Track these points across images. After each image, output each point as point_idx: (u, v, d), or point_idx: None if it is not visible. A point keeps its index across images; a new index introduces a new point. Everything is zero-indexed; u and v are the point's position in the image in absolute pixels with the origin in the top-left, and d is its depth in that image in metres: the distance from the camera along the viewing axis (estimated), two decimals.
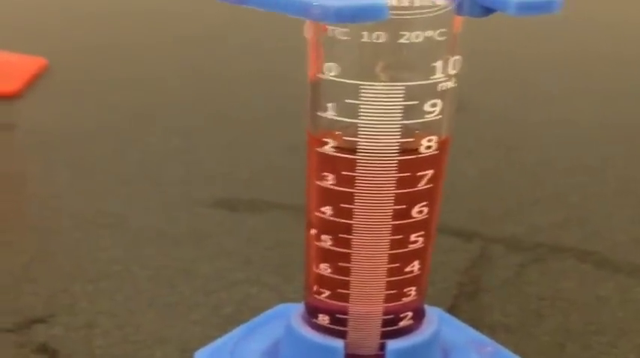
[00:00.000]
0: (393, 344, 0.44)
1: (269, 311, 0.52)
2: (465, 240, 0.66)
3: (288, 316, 0.46)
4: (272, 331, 0.50)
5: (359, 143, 0.39)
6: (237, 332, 0.51)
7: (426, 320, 0.46)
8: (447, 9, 0.37)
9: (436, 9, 0.37)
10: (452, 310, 0.56)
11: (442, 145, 0.40)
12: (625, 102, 1.02)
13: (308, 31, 0.39)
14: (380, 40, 0.36)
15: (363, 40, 0.37)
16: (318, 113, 0.39)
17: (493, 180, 0.78)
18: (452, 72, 0.38)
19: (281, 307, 0.53)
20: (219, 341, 0.50)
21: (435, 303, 0.53)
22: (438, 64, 0.38)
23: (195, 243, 0.65)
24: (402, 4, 0.36)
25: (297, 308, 0.46)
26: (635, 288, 0.60)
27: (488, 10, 0.36)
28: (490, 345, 0.50)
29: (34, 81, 1.03)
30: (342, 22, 0.33)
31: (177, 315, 0.56)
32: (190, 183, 0.76)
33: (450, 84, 0.39)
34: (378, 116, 0.38)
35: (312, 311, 0.45)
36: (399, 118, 0.38)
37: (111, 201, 0.72)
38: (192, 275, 0.60)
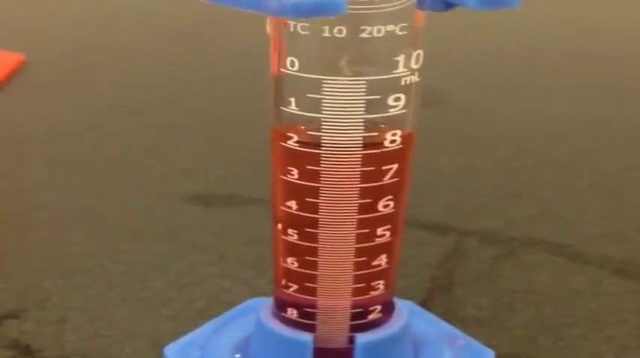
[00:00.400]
0: (362, 338, 0.44)
1: (240, 306, 0.52)
2: (439, 233, 0.66)
3: (259, 310, 0.46)
4: (243, 325, 0.50)
5: (322, 137, 0.38)
6: (207, 326, 0.50)
7: (395, 313, 0.46)
8: (408, 3, 0.37)
9: (397, 3, 0.37)
10: (425, 304, 0.56)
11: (407, 139, 0.40)
12: (599, 96, 1.02)
13: (269, 26, 0.39)
14: (341, 35, 0.36)
15: (324, 34, 0.36)
16: (281, 108, 0.39)
17: (468, 174, 0.79)
18: (415, 66, 0.38)
19: (252, 301, 0.53)
20: (189, 336, 0.50)
21: (408, 297, 0.53)
22: (401, 59, 0.38)
23: (170, 238, 0.65)
24: None
25: (267, 303, 0.46)
26: (606, 280, 0.60)
27: (449, 5, 0.36)
28: (462, 338, 0.50)
29: (12, 76, 1.03)
30: (300, 16, 0.33)
31: (150, 310, 0.55)
32: (167, 179, 0.76)
33: (414, 78, 0.39)
34: (341, 110, 0.38)
35: (280, 305, 0.45)
36: (362, 113, 0.38)
37: (86, 197, 0.72)
38: (165, 270, 0.60)
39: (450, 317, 0.54)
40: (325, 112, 0.38)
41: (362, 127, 0.38)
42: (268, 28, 0.39)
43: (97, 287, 0.58)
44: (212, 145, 0.84)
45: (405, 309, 0.46)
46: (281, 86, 0.39)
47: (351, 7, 0.34)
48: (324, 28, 0.36)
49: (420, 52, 0.39)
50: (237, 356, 0.47)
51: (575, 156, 0.83)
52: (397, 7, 0.37)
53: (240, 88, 1.00)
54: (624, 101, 1.00)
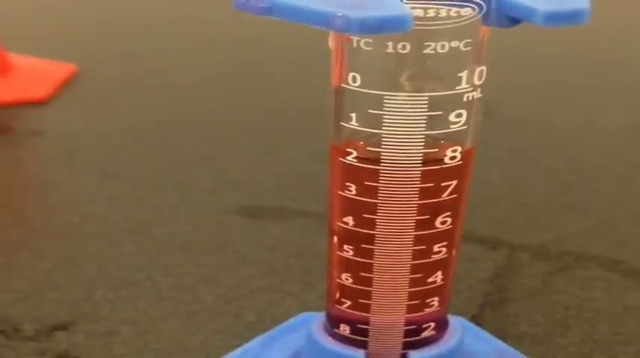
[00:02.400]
0: (415, 355, 0.43)
1: (290, 321, 0.52)
2: (490, 248, 0.65)
3: (310, 325, 0.46)
4: (293, 340, 0.49)
5: (382, 153, 0.38)
6: (257, 341, 0.50)
7: (449, 330, 0.45)
8: (473, 19, 0.36)
9: (462, 19, 0.36)
10: (476, 319, 0.56)
11: (466, 155, 0.40)
12: None
13: (332, 41, 0.38)
14: (405, 51, 0.36)
15: (387, 50, 0.36)
16: (342, 123, 0.39)
17: (519, 187, 0.78)
18: (477, 82, 0.38)
19: (302, 316, 0.52)
20: (240, 350, 0.50)
21: (459, 313, 0.53)
22: (464, 75, 0.37)
23: (219, 250, 0.65)
24: (428, 15, 0.36)
25: (319, 318, 0.46)
26: None
27: (515, 21, 0.36)
28: (513, 355, 0.50)
29: (63, 87, 1.03)
30: (365, 33, 0.33)
31: (199, 323, 0.55)
32: (216, 191, 0.75)
33: (476, 94, 0.38)
34: (402, 126, 0.37)
35: (333, 321, 0.44)
36: (423, 129, 0.37)
37: (136, 209, 0.72)
38: (214, 283, 0.60)
39: (502, 333, 0.53)
40: (386, 128, 0.37)
41: (422, 143, 0.38)
42: (331, 43, 0.38)
43: (147, 299, 0.58)
44: (262, 157, 0.84)
45: (459, 327, 0.46)
46: (342, 101, 0.38)
47: (416, 22, 0.34)
48: (387, 44, 0.36)
49: (484, 68, 0.38)
50: None
51: (629, 168, 0.82)
52: (462, 23, 0.36)
53: (291, 100, 1.00)
54: None
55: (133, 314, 0.56)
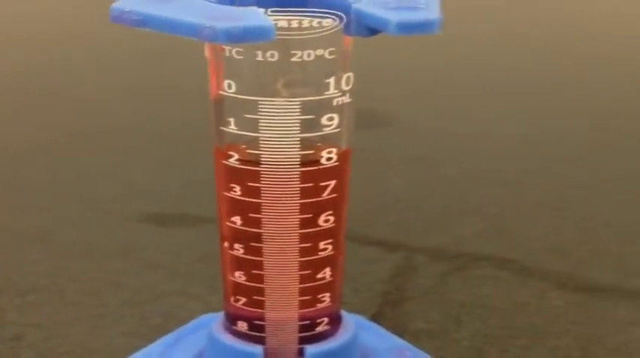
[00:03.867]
0: (311, 349, 0.45)
1: (193, 321, 0.53)
2: (389, 250, 0.68)
3: (210, 325, 0.47)
4: (196, 340, 0.50)
5: (261, 155, 0.40)
6: (161, 341, 0.51)
7: (342, 325, 0.47)
8: (335, 29, 0.39)
9: (324, 29, 0.38)
10: (376, 318, 0.58)
11: (343, 157, 0.42)
12: (542, 116, 1.04)
13: (207, 51, 0.40)
14: (273, 59, 0.38)
15: (257, 58, 0.38)
16: (222, 128, 0.41)
17: (416, 193, 0.80)
18: (345, 88, 0.40)
19: (205, 317, 0.54)
20: (143, 351, 0.51)
21: (359, 311, 0.55)
22: (332, 80, 0.40)
23: (124, 256, 0.66)
24: (292, 26, 0.38)
25: (219, 317, 0.47)
26: (550, 293, 0.62)
27: (373, 31, 0.38)
28: (409, 350, 0.52)
29: None
30: (231, 42, 0.35)
31: (105, 327, 0.56)
32: (122, 200, 0.76)
33: (345, 99, 0.40)
34: (278, 130, 0.40)
35: (231, 319, 0.46)
36: (298, 132, 0.40)
37: (43, 217, 0.73)
38: (120, 287, 0.61)
39: (400, 330, 0.55)
40: (263, 132, 0.40)
41: (298, 146, 0.40)
42: (207, 53, 0.40)
43: (53, 305, 0.59)
44: (166, 167, 0.85)
45: (352, 321, 0.48)
46: (221, 107, 0.41)
47: (280, 33, 0.36)
48: (257, 52, 0.38)
49: (350, 74, 0.40)
50: None
51: (519, 174, 0.85)
52: (325, 33, 0.38)
53: (193, 111, 1.01)
54: (567, 121, 1.03)
55: (39, 318, 0.57)
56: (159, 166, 0.85)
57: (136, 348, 0.51)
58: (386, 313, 0.59)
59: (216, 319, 0.47)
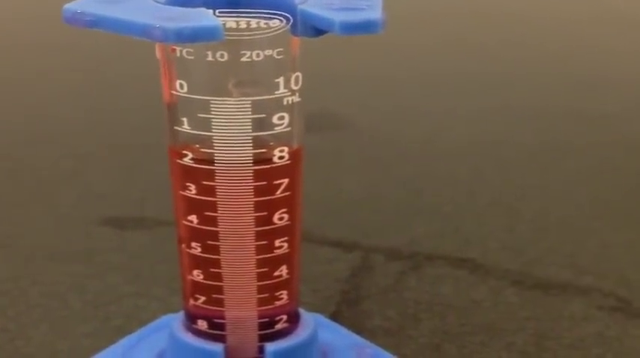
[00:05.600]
0: (271, 347, 0.46)
1: (154, 322, 0.54)
2: (346, 250, 0.69)
3: (171, 324, 0.48)
4: (157, 340, 0.51)
5: (215, 154, 0.41)
6: (123, 342, 0.52)
7: (302, 323, 0.48)
8: (282, 30, 0.40)
9: (271, 30, 0.40)
10: (335, 316, 0.59)
11: (294, 155, 0.43)
12: (493, 119, 1.06)
13: (158, 51, 0.41)
14: (223, 59, 0.39)
15: (208, 59, 0.39)
16: (175, 127, 0.42)
17: (371, 194, 0.82)
18: (295, 87, 0.41)
19: (165, 318, 0.54)
20: (106, 351, 0.52)
21: (318, 310, 0.56)
22: (281, 80, 0.41)
23: (86, 260, 0.66)
24: (240, 26, 0.39)
25: (179, 316, 0.48)
26: (505, 291, 0.63)
27: (319, 31, 0.39)
28: (369, 347, 0.53)
29: None
30: (181, 42, 0.36)
31: (68, 328, 0.57)
32: (81, 204, 0.77)
33: (295, 98, 0.42)
34: (230, 129, 0.41)
35: (191, 318, 0.47)
36: (250, 130, 0.41)
37: (2, 223, 0.73)
38: (82, 290, 0.62)
39: (358, 328, 0.57)
40: (215, 131, 0.41)
41: (251, 144, 0.41)
42: (158, 54, 0.41)
43: (17, 308, 0.59)
44: (123, 171, 0.85)
45: (311, 319, 0.49)
46: (174, 107, 0.42)
47: (228, 33, 0.38)
48: (207, 52, 0.39)
49: (299, 74, 0.42)
50: None
51: (473, 175, 0.87)
52: (272, 34, 0.40)
53: (147, 116, 1.02)
54: (517, 123, 1.04)
55: (3, 322, 0.57)
56: (115, 171, 0.86)
57: (100, 349, 0.52)
58: (344, 312, 0.60)
59: (177, 319, 0.48)
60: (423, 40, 1.45)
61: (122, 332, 0.55)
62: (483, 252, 0.69)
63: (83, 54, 1.31)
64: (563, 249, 0.71)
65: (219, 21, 0.35)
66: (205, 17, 0.36)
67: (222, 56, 0.39)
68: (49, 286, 0.62)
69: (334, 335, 0.53)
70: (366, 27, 0.37)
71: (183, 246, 0.45)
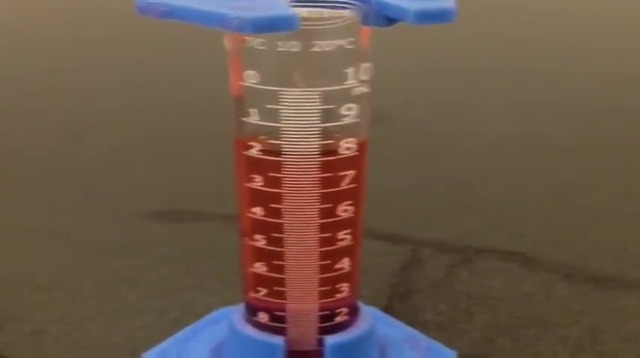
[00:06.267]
0: (331, 340, 0.46)
1: (211, 314, 0.55)
2: (395, 243, 0.69)
3: (231, 316, 0.48)
4: (213, 333, 0.52)
5: (282, 146, 0.41)
6: (181, 334, 0.53)
7: (361, 316, 0.48)
8: (354, 20, 0.40)
9: (344, 19, 0.40)
10: (386, 310, 0.59)
11: (361, 147, 0.43)
12: (539, 113, 1.06)
13: (228, 41, 0.41)
14: (294, 49, 0.39)
15: (279, 49, 0.39)
16: (243, 119, 0.42)
17: (419, 187, 0.82)
18: (363, 78, 0.41)
19: (221, 310, 0.55)
20: (165, 343, 0.52)
21: (370, 303, 0.56)
22: (350, 71, 0.41)
23: (137, 253, 0.67)
24: (313, 16, 0.39)
25: (239, 309, 0.48)
26: (556, 284, 0.63)
27: (391, 20, 0.39)
28: (424, 340, 0.53)
29: None
30: (258, 32, 0.36)
31: (125, 321, 0.57)
32: (129, 197, 0.77)
33: (364, 89, 0.42)
34: (298, 120, 0.41)
35: (251, 310, 0.47)
36: (318, 121, 0.41)
37: (51, 216, 0.73)
38: (136, 283, 0.62)
39: (410, 321, 0.56)
40: (284, 122, 0.41)
41: (319, 135, 0.41)
42: (227, 44, 0.41)
43: (72, 300, 0.60)
44: (166, 164, 0.86)
45: (369, 312, 0.49)
46: (242, 98, 0.42)
47: (303, 23, 0.37)
48: (279, 43, 0.39)
49: (368, 64, 0.41)
50: None
51: (518, 168, 0.87)
52: (344, 24, 0.40)
53: (189, 110, 1.02)
54: (562, 117, 1.04)
55: (59, 314, 0.58)
56: (155, 163, 0.86)
57: (156, 342, 0.52)
58: (395, 305, 0.60)
59: (233, 312, 0.49)
60: (466, 35, 1.44)
61: (177, 325, 0.56)
62: (532, 246, 0.69)
63: (122, 48, 1.31)
64: (613, 242, 0.70)
65: (295, 10, 0.35)
66: (281, 7, 0.36)
67: (293, 46, 0.39)
68: (103, 279, 0.63)
69: (389, 327, 0.53)
70: (440, 16, 0.37)
71: (246, 238, 0.45)
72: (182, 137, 0.93)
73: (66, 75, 1.19)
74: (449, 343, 0.54)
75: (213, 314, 0.55)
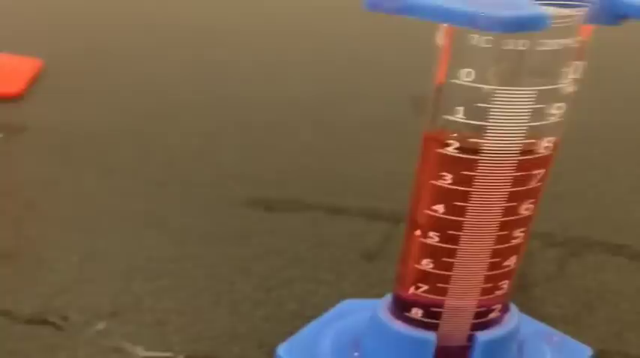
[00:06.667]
0: (482, 336, 0.45)
1: (336, 308, 0.54)
2: None
3: (373, 309, 0.48)
4: (346, 327, 0.51)
5: (484, 144, 0.40)
6: (311, 327, 0.52)
7: (510, 312, 0.47)
8: (584, 18, 0.38)
9: (574, 18, 0.38)
10: None
11: (557, 146, 0.42)
12: (623, 104, 1.04)
13: (442, 37, 0.40)
14: (523, 48, 0.38)
15: (506, 47, 0.38)
16: (445, 116, 0.40)
17: None
18: (576, 76, 0.40)
19: (346, 303, 0.54)
20: (298, 336, 0.51)
21: None
22: (568, 70, 0.39)
23: (242, 242, 0.66)
24: (555, 14, 0.38)
25: (383, 302, 0.48)
26: None
27: (620, 18, 0.38)
28: (556, 335, 0.52)
29: (34, 82, 1.03)
30: (506, 31, 0.34)
31: (244, 312, 0.57)
32: (221, 184, 0.76)
33: (575, 87, 0.40)
34: (508, 119, 0.39)
35: (404, 305, 0.46)
36: (526, 121, 0.39)
37: (145, 202, 0.72)
38: (247, 273, 0.61)
39: (533, 315, 0.56)
40: (492, 121, 0.39)
41: (524, 135, 0.40)
42: (439, 40, 0.40)
43: (186, 290, 0.59)
44: (255, 150, 0.85)
45: (515, 309, 0.48)
46: (448, 95, 0.40)
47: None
48: (508, 41, 0.38)
49: (585, 63, 0.40)
50: (356, 354, 0.48)
51: (609, 160, 0.85)
52: (573, 22, 0.38)
53: (272, 93, 1.01)
54: None
55: (176, 304, 0.57)
56: (250, 150, 0.85)
57: (280, 334, 0.52)
58: (515, 298, 0.59)
59: (380, 307, 0.48)
60: None
61: (298, 316, 0.55)
62: (637, 238, 0.68)
63: (204, 35, 1.30)
64: None
65: (543, 9, 0.34)
66: (530, 6, 0.34)
67: (522, 45, 0.38)
68: (213, 268, 0.62)
69: (522, 322, 0.52)
70: None
71: (418, 235, 0.44)
72: (261, 122, 0.92)
73: (127, 54, 1.18)
74: (576, 337, 0.53)
75: (338, 307, 0.54)
